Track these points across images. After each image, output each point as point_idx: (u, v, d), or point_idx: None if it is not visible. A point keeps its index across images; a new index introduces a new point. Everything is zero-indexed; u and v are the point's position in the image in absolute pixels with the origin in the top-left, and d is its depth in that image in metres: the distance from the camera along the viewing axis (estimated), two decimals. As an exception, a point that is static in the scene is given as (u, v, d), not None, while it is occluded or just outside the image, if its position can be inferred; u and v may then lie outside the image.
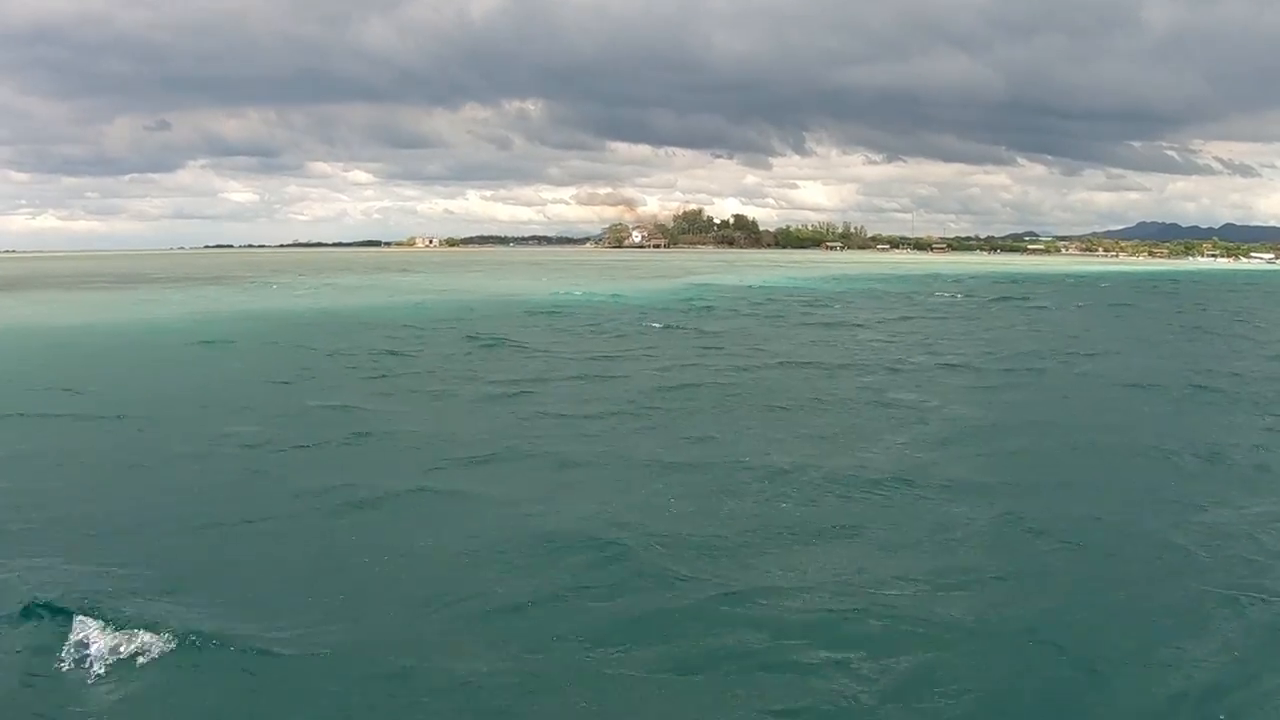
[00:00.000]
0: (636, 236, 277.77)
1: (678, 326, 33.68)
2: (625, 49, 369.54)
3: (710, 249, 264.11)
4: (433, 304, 45.85)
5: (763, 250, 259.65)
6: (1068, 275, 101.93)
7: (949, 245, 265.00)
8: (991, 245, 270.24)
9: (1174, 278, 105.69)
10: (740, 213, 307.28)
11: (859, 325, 35.21)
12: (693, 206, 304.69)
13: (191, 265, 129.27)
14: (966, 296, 53.90)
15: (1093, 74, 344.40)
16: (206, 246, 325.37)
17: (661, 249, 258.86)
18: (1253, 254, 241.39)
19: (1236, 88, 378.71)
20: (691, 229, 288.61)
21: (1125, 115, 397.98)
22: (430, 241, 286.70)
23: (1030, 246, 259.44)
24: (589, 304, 44.91)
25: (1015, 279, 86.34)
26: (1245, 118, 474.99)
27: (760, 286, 63.01)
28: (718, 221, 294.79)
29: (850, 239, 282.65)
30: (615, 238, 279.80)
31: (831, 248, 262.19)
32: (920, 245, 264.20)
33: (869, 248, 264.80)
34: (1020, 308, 45.61)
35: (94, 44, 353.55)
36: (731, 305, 44.42)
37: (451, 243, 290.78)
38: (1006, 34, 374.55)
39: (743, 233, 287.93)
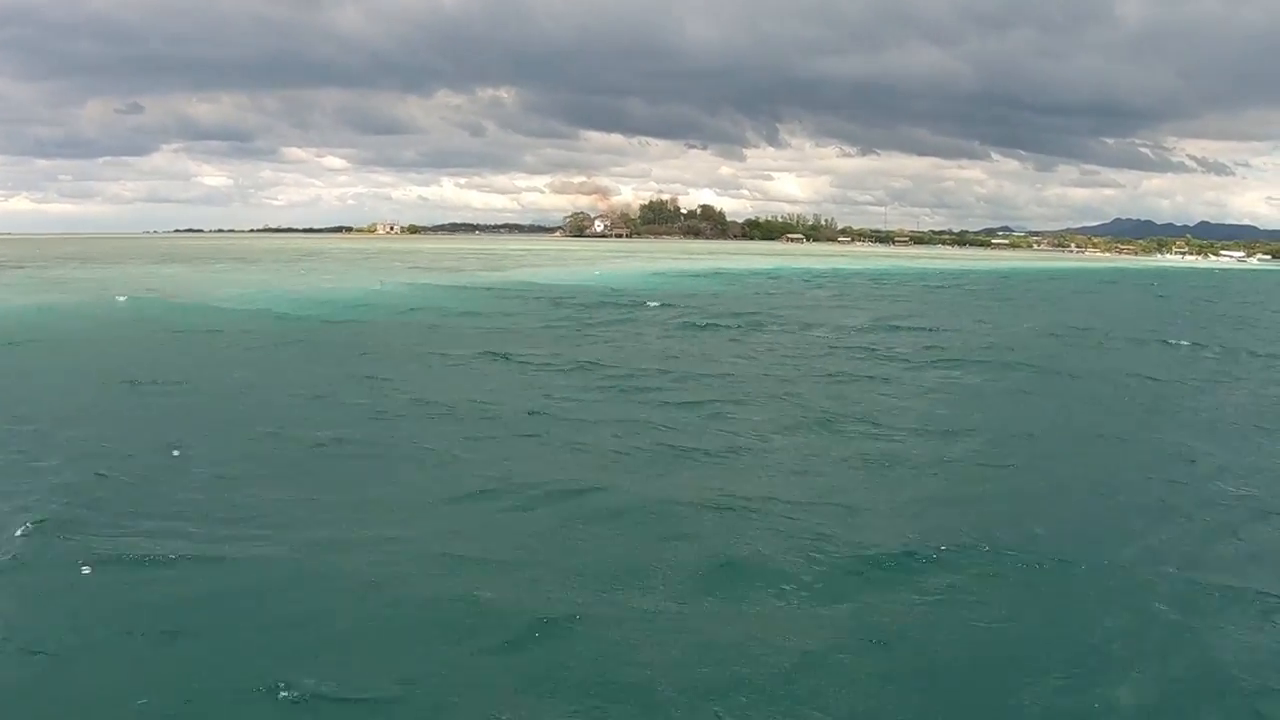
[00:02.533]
0: (599, 226, 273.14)
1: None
2: (596, 36, 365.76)
3: (676, 239, 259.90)
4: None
5: (725, 241, 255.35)
6: (964, 270, 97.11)
7: (912, 239, 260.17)
8: (961, 240, 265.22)
9: (1061, 274, 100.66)
10: (709, 204, 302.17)
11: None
12: (666, 196, 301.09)
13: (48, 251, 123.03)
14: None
15: (1065, 68, 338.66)
16: (176, 230, 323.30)
17: (623, 239, 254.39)
18: (1223, 252, 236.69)
19: (1210, 85, 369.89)
20: (657, 219, 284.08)
21: (1098, 111, 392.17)
22: (391, 228, 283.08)
23: (994, 241, 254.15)
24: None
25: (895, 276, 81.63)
26: (1219, 115, 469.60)
27: (540, 284, 57.72)
28: (685, 212, 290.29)
29: (820, 231, 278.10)
30: (576, 226, 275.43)
31: (793, 239, 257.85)
32: (882, 238, 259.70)
33: (835, 240, 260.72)
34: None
35: (65, 24, 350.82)
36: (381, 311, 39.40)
37: (413, 229, 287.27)
38: (978, 27, 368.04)
39: (709, 224, 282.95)
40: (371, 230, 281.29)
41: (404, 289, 49.11)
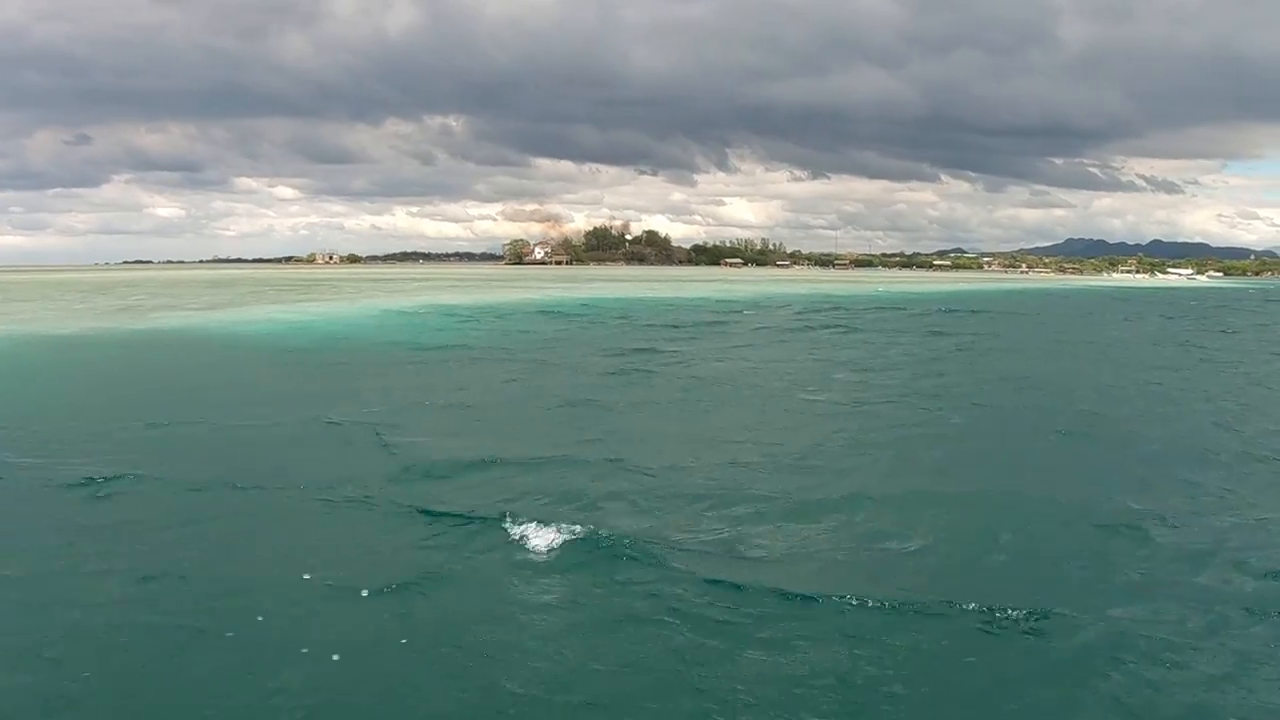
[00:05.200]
0: (539, 253, 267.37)
1: None
2: (544, 64, 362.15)
3: (620, 265, 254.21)
4: None
5: (670, 268, 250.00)
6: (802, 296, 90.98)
7: (856, 262, 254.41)
8: (910, 262, 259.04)
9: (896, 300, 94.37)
10: (657, 230, 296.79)
11: None
12: (616, 222, 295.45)
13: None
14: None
15: (1011, 90, 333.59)
16: (125, 263, 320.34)
17: (563, 266, 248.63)
18: (1171, 269, 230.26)
19: (1157, 105, 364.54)
20: (601, 245, 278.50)
21: (1045, 131, 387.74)
22: (330, 258, 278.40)
23: (936, 263, 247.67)
24: None
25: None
26: (1166, 134, 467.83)
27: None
28: (629, 238, 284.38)
29: (768, 256, 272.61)
30: (515, 254, 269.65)
31: (731, 264, 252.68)
32: (822, 263, 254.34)
33: (776, 264, 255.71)
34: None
35: (12, 56, 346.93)
36: None
37: (353, 259, 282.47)
38: (921, 49, 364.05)
39: (654, 249, 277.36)
40: (311, 260, 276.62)
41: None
